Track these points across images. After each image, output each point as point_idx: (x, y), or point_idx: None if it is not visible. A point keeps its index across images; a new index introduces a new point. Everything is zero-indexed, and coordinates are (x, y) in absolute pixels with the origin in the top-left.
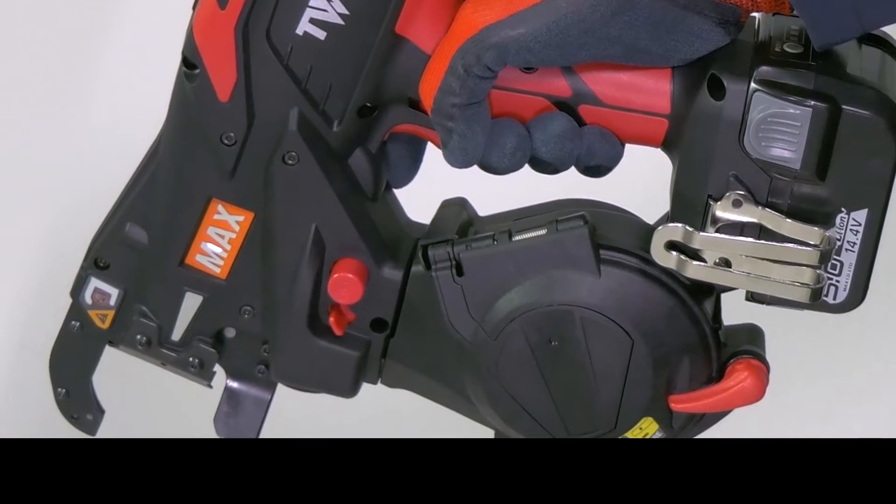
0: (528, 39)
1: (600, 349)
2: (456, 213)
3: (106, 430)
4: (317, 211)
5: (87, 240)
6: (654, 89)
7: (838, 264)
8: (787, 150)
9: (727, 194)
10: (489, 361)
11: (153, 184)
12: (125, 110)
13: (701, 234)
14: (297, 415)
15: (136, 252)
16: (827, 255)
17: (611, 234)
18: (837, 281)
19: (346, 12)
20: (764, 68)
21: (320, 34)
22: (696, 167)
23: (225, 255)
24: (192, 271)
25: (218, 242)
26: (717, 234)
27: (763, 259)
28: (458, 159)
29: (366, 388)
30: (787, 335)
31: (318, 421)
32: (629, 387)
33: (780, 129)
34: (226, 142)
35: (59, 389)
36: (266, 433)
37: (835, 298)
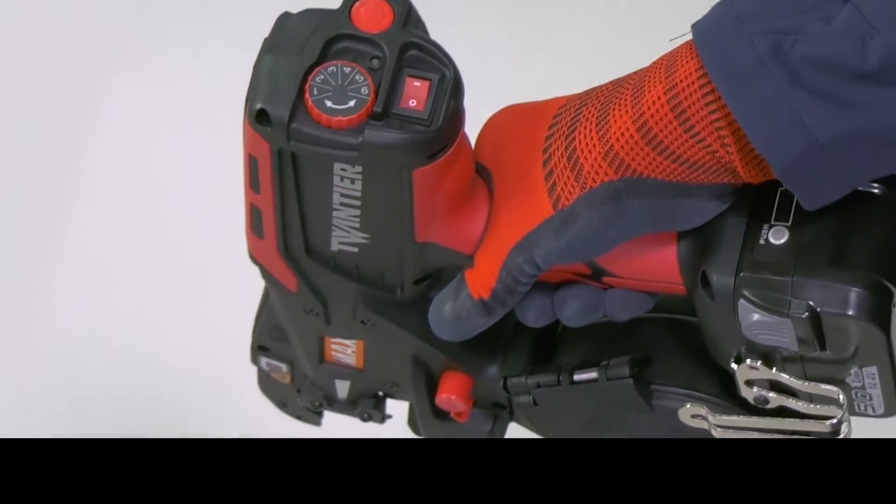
0: (545, 255)
1: None
2: None
3: (106, 430)
4: (406, 349)
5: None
6: (662, 263)
7: (867, 395)
8: (781, 341)
9: (746, 361)
10: None
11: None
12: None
13: (721, 416)
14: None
15: (285, 345)
16: (847, 409)
17: (663, 366)
18: (872, 406)
19: (367, 236)
20: (744, 275)
21: (353, 249)
22: (712, 337)
23: (353, 357)
24: (333, 366)
25: (344, 353)
26: (731, 417)
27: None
28: (447, 332)
29: None
30: None
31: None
32: None
33: (768, 332)
34: (312, 310)
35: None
36: (265, 433)
37: (874, 412)
